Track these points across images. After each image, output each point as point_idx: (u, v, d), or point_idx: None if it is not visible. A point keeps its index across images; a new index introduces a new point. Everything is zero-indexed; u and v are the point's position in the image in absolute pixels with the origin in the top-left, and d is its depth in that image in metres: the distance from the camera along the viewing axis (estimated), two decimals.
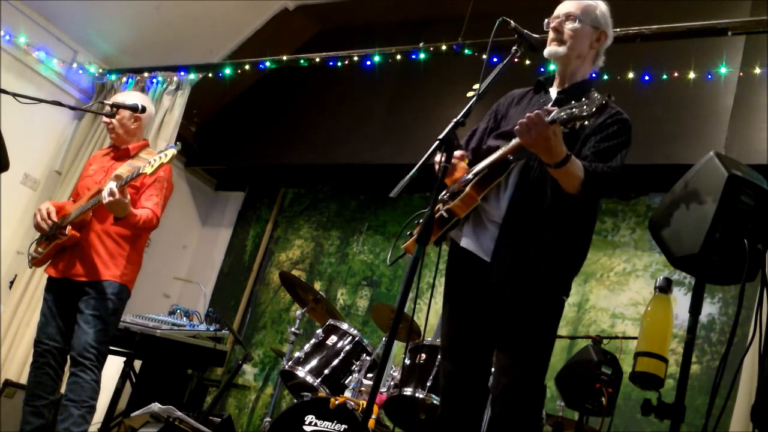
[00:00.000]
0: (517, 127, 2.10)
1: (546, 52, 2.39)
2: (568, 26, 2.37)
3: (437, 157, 2.22)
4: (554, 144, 2.07)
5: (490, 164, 2.30)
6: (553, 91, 2.45)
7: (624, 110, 2.36)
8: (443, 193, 2.42)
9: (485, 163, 2.32)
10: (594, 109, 1.99)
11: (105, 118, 3.59)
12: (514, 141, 2.18)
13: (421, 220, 2.46)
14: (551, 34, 2.39)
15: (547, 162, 2.12)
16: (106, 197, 3.11)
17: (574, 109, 2.01)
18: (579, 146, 2.25)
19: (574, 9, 2.39)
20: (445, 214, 2.32)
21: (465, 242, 2.37)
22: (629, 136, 2.32)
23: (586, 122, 2.02)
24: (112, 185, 3.13)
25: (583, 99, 2.03)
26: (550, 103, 2.39)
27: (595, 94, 2.02)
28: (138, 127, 3.63)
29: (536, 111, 2.06)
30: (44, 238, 3.47)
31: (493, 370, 2.44)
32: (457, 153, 2.40)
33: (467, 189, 2.29)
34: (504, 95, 2.62)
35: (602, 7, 2.44)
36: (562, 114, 2.03)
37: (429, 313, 2.48)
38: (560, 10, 2.41)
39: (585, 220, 2.35)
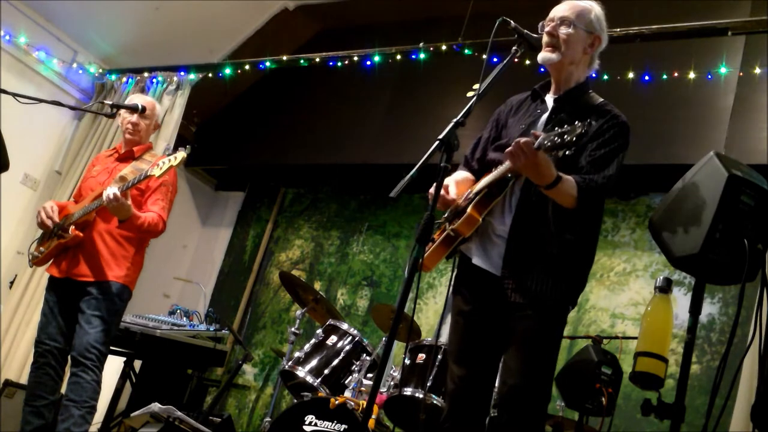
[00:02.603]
0: (507, 150, 2.14)
1: (540, 58, 2.40)
2: (563, 31, 2.37)
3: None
4: (543, 168, 2.11)
5: (489, 184, 2.33)
6: (549, 99, 2.46)
7: (624, 110, 2.36)
8: (449, 211, 2.43)
9: (484, 182, 2.36)
10: (575, 138, 2.02)
11: (133, 119, 3.58)
12: (508, 164, 2.23)
13: (435, 236, 2.47)
14: (545, 39, 2.38)
15: (538, 184, 2.17)
16: (107, 201, 3.12)
17: (556, 138, 2.05)
18: (577, 154, 2.26)
19: (569, 13, 2.38)
20: (451, 233, 2.35)
21: (476, 260, 2.40)
22: (627, 139, 2.33)
23: (568, 151, 2.06)
24: (114, 189, 3.13)
25: (566, 126, 2.05)
26: (546, 113, 2.42)
27: (576, 122, 2.04)
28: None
29: (525, 139, 2.10)
30: (46, 238, 3.47)
31: (500, 372, 2.45)
32: (463, 176, 2.46)
33: (468, 210, 2.32)
34: (504, 101, 2.63)
35: (597, 11, 2.44)
36: (547, 142, 2.06)
37: (443, 315, 2.49)
38: (555, 13, 2.41)
39: (588, 231, 2.36)
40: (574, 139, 2.02)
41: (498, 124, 2.56)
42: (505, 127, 2.52)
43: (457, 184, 2.48)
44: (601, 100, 2.40)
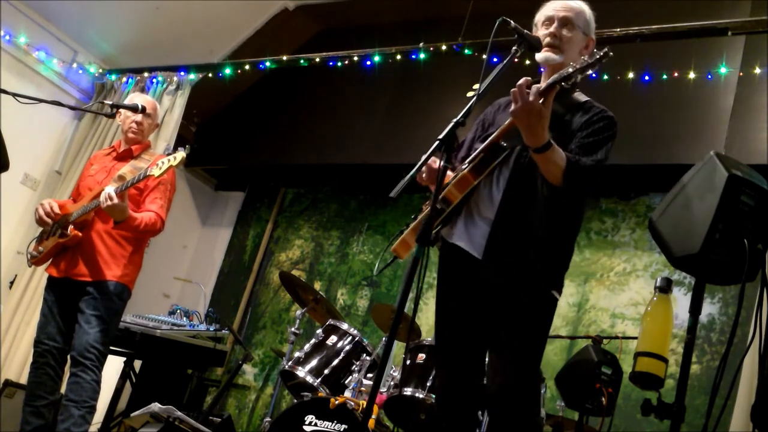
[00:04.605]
0: (512, 90, 2.11)
1: (541, 58, 2.38)
2: (565, 33, 2.37)
3: (423, 170, 2.26)
4: (544, 121, 2.09)
5: (484, 148, 2.31)
6: None
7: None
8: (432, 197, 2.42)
9: (479, 149, 2.33)
10: (592, 61, 2.06)
11: (137, 119, 3.57)
12: (507, 121, 2.22)
13: (407, 228, 2.46)
14: (548, 39, 2.37)
15: (530, 145, 2.14)
16: (103, 202, 3.11)
17: (569, 68, 2.10)
18: (567, 144, 2.26)
19: (570, 14, 2.38)
20: (437, 206, 2.31)
21: (457, 239, 2.37)
22: (614, 132, 2.32)
23: (589, 71, 2.09)
24: (111, 190, 3.12)
25: (581, 57, 2.13)
26: None
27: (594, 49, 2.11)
28: None
29: (534, 87, 2.11)
30: (44, 236, 3.47)
31: (487, 369, 2.44)
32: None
33: (463, 172, 2.30)
34: (496, 101, 2.62)
35: (589, 12, 2.45)
36: (562, 72, 2.09)
37: (416, 311, 2.48)
38: (554, 13, 2.40)
39: (573, 215, 2.35)
40: (592, 61, 2.08)
41: (484, 124, 2.55)
42: (492, 124, 2.50)
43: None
44: (588, 98, 2.41)
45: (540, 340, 2.31)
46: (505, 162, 2.32)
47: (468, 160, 2.35)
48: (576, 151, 2.22)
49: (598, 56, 2.07)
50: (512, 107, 2.10)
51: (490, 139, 2.30)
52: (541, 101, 2.07)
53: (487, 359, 2.40)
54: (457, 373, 2.36)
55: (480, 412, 2.99)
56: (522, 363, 2.25)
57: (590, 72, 2.12)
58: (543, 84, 2.10)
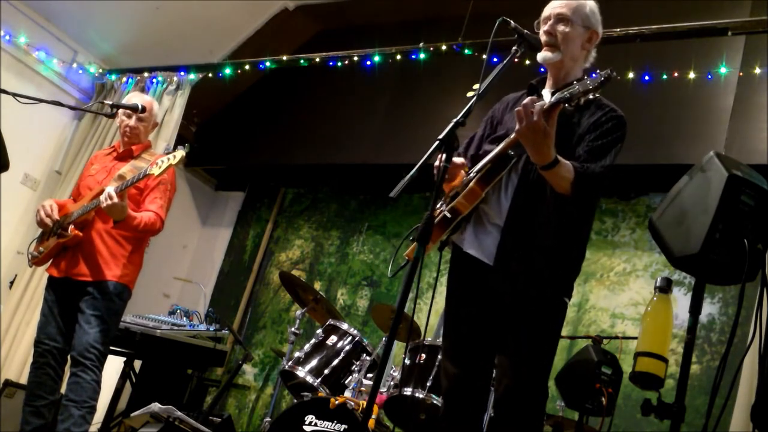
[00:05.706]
0: (516, 109, 2.11)
1: (540, 58, 2.38)
2: (561, 29, 2.35)
3: (436, 162, 2.23)
4: (549, 139, 2.08)
5: (491, 159, 2.31)
6: (546, 93, 2.44)
7: (624, 110, 2.36)
8: (442, 200, 2.41)
9: (486, 158, 2.33)
10: (598, 83, 2.02)
11: (131, 123, 3.57)
12: (514, 134, 2.20)
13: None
14: (544, 38, 2.37)
15: (536, 162, 2.14)
16: (103, 202, 3.11)
17: (577, 86, 2.05)
18: (575, 146, 2.25)
19: (565, 10, 2.37)
20: (448, 214, 2.31)
21: (468, 246, 2.37)
22: (624, 132, 2.32)
23: (590, 96, 2.06)
24: (111, 189, 3.12)
25: (585, 77, 2.07)
26: None
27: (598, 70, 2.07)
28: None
29: (538, 103, 2.09)
30: (45, 237, 3.47)
31: (495, 371, 2.44)
32: (458, 160, 2.39)
33: (471, 184, 2.30)
34: (499, 100, 2.62)
35: (591, 4, 2.43)
36: (566, 93, 2.06)
37: (430, 313, 2.48)
38: (551, 11, 2.39)
39: (583, 220, 2.35)
40: (598, 83, 2.02)
41: (493, 121, 2.55)
42: (501, 123, 2.50)
43: (447, 178, 2.44)
44: (597, 94, 2.41)
45: (548, 344, 2.31)
46: (513, 168, 2.32)
47: (476, 170, 2.35)
48: (584, 157, 2.22)
49: (602, 79, 2.04)
50: (517, 127, 2.10)
51: (496, 151, 2.30)
52: (545, 120, 2.06)
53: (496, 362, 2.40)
54: (465, 376, 2.36)
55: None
56: (529, 367, 2.25)
57: (593, 95, 2.10)
58: (547, 103, 2.08)
